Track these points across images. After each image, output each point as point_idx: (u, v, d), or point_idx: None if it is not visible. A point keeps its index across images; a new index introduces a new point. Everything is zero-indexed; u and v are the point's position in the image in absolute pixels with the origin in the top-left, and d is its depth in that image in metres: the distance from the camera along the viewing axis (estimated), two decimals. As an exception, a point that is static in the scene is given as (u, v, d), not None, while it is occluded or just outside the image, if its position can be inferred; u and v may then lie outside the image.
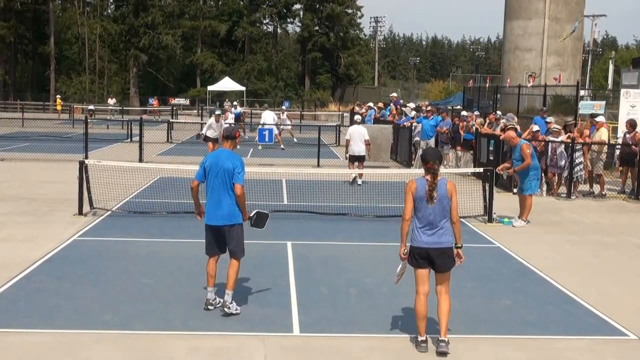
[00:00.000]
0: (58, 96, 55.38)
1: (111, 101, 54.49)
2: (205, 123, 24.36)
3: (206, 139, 21.85)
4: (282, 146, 27.96)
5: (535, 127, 17.12)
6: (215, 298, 7.57)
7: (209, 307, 7.49)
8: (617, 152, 17.85)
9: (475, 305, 7.99)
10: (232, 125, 19.32)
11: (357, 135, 17.91)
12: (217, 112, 23.09)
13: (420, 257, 6.55)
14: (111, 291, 8.13)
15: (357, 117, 19.71)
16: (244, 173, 7.40)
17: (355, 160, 17.99)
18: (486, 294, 8.52)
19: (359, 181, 17.82)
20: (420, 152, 21.12)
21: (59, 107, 51.26)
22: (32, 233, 11.20)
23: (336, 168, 20.83)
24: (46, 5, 67.76)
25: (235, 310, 7.36)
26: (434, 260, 6.52)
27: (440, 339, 6.52)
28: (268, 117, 28.79)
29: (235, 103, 43.18)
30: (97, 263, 9.43)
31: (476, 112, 22.03)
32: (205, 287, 7.71)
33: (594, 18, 59.74)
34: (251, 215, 7.73)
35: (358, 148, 17.84)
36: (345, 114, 46.17)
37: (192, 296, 8.04)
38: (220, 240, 7.50)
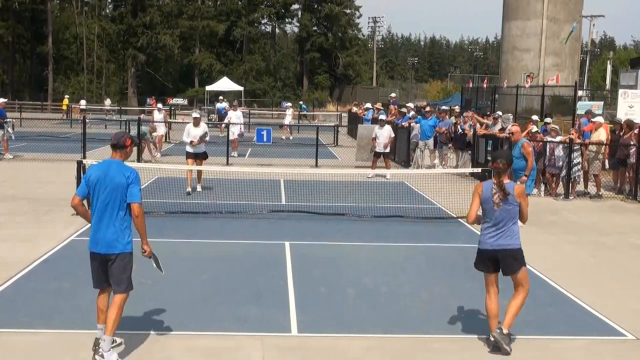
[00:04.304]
0: (66, 96, 54.87)
1: (107, 102, 54.36)
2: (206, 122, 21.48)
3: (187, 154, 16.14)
4: (283, 137, 29.59)
5: (535, 128, 17.11)
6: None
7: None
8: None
9: (475, 305, 7.99)
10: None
11: (383, 134, 19.68)
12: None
13: (487, 259, 6.61)
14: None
15: (382, 117, 21.07)
16: (140, 189, 6.23)
17: (380, 155, 19.83)
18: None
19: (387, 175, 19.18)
20: (418, 152, 21.18)
21: (64, 107, 51.03)
22: (31, 233, 11.20)
23: (334, 168, 20.81)
24: (44, 5, 67.65)
25: None
26: (500, 262, 6.59)
27: (498, 327, 6.57)
28: (234, 116, 26.64)
29: (220, 97, 43.03)
30: (95, 263, 9.42)
31: (499, 112, 20.97)
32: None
33: (592, 18, 59.74)
34: (153, 253, 6.39)
35: (381, 146, 19.62)
36: (343, 114, 46.14)
37: (189, 296, 8.05)
38: (105, 271, 6.14)
